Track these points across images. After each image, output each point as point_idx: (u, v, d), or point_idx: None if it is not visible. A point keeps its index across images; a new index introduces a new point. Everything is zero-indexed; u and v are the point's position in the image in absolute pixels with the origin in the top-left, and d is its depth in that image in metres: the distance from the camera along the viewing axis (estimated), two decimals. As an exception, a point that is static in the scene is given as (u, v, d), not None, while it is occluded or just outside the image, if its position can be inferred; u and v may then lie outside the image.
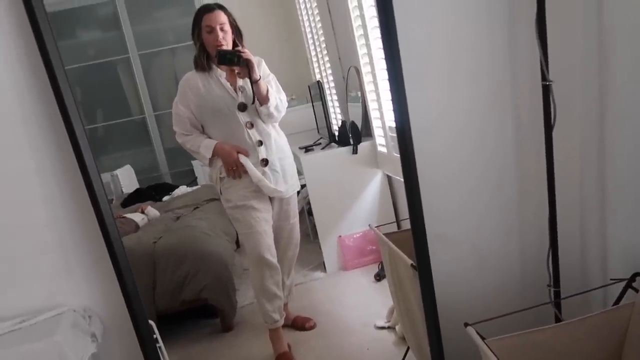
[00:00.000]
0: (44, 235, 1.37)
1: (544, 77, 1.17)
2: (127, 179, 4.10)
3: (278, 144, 2.25)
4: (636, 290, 1.20)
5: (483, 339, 1.13)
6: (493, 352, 1.08)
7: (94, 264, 1.36)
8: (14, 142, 1.33)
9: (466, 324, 1.15)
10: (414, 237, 1.28)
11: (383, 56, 2.45)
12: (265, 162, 2.18)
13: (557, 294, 1.35)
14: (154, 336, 1.31)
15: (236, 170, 2.15)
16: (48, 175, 1.35)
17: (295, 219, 2.44)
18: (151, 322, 1.31)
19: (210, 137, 2.20)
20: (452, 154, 1.38)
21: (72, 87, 1.29)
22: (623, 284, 1.23)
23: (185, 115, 2.17)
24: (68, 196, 1.35)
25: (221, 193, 2.26)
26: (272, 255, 2.25)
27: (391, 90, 1.17)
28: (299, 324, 2.53)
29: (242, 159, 2.15)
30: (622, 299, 1.24)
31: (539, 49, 1.15)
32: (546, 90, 1.18)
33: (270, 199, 2.27)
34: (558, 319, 1.38)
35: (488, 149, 1.38)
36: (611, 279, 1.26)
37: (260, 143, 2.17)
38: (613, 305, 1.25)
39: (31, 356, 1.16)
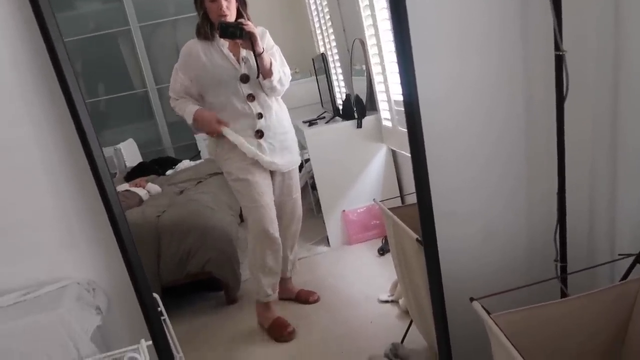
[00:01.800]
0: (48, 208, 1.36)
1: (557, 47, 1.13)
2: (130, 153, 4.08)
3: (279, 118, 2.22)
4: (644, 266, 1.19)
5: (489, 313, 1.12)
6: (499, 327, 1.08)
7: (97, 238, 1.36)
8: (14, 115, 1.30)
9: (472, 299, 1.14)
10: (420, 212, 1.26)
11: (389, 28, 2.43)
12: (260, 134, 2.15)
13: (564, 269, 1.34)
14: (159, 309, 1.31)
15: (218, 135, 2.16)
16: (50, 148, 1.33)
17: (297, 194, 2.43)
18: (155, 295, 1.31)
19: (209, 106, 2.17)
20: (460, 128, 1.35)
21: (72, 60, 1.26)
22: (631, 259, 1.21)
23: (180, 82, 2.16)
24: (71, 170, 1.33)
25: (221, 166, 2.26)
26: (274, 230, 2.25)
27: (398, 62, 1.14)
28: (302, 298, 2.55)
29: (229, 133, 2.14)
30: (630, 274, 1.22)
31: (553, 17, 1.11)
32: (559, 61, 1.14)
33: (271, 173, 2.26)
34: (564, 295, 1.37)
35: (498, 123, 1.35)
36: (619, 254, 1.24)
37: (261, 116, 2.15)
38: (620, 281, 1.24)
39: (36, 328, 1.16)
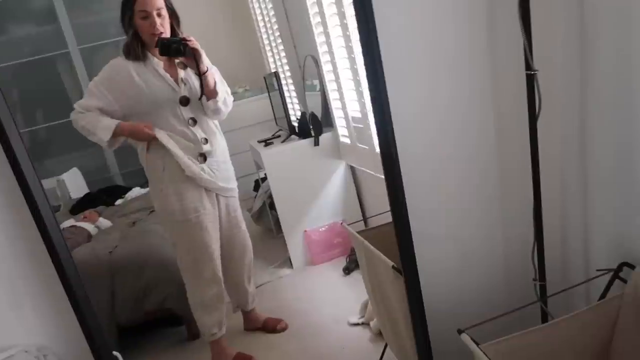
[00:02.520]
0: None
1: (529, 67, 1.12)
2: (74, 183, 3.85)
3: (221, 145, 2.10)
4: (624, 281, 1.18)
5: (477, 344, 1.08)
6: (489, 358, 1.03)
7: (45, 295, 1.21)
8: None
9: (460, 331, 1.09)
10: (400, 242, 1.21)
11: (343, 45, 2.40)
12: (203, 157, 2.01)
13: (543, 288, 1.32)
14: (120, 368, 1.19)
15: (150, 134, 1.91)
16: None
17: (244, 225, 2.30)
18: (116, 353, 1.18)
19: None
20: (433, 149, 1.32)
21: (7, 86, 1.12)
22: (610, 274, 1.20)
23: (99, 98, 1.88)
24: (10, 221, 1.18)
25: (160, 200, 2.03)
26: (218, 270, 2.14)
27: (370, 86, 1.08)
28: (269, 327, 2.44)
29: (163, 136, 1.91)
30: (610, 289, 1.21)
31: (523, 36, 1.09)
32: (530, 80, 1.13)
33: (218, 210, 2.12)
34: (544, 314, 1.35)
35: (470, 143, 1.33)
36: (598, 270, 1.23)
37: (206, 140, 2.01)
38: (600, 297, 1.23)
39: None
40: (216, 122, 2.12)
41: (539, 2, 1.17)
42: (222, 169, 2.10)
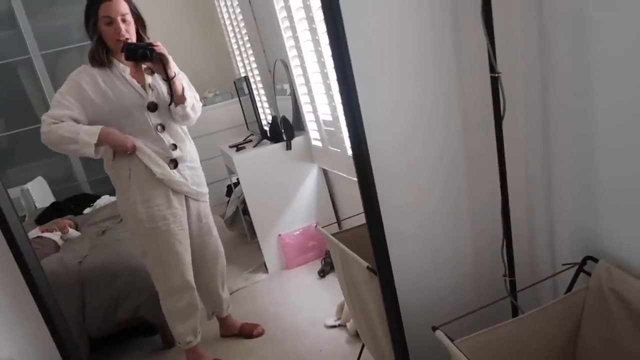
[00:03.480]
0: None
1: (492, 69, 1.15)
2: (40, 193, 3.74)
3: (190, 151, 2.08)
4: (588, 274, 1.22)
5: (451, 340, 1.11)
6: (464, 353, 1.06)
7: (13, 307, 1.18)
8: None
9: (434, 327, 1.12)
10: (373, 243, 1.23)
11: (312, 49, 2.42)
12: (174, 163, 1.99)
13: (513, 284, 1.36)
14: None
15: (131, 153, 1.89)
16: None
17: (216, 232, 2.28)
18: (89, 364, 1.16)
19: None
20: (402, 150, 1.34)
21: None
22: (574, 269, 1.25)
23: (67, 107, 1.81)
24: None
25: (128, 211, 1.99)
26: (190, 277, 2.12)
27: (341, 91, 1.10)
28: (246, 332, 2.43)
29: (141, 148, 1.89)
30: (575, 283, 1.26)
31: (487, 40, 1.13)
32: (495, 82, 1.16)
33: (188, 216, 2.10)
34: (515, 308, 1.40)
35: (438, 144, 1.36)
36: (563, 264, 1.28)
37: (175, 147, 1.99)
38: (567, 291, 1.27)
39: None
40: (184, 127, 2.09)
41: (501, 7, 1.21)
42: (193, 175, 2.08)
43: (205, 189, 2.17)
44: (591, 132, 1.15)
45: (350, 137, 1.13)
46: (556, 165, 1.29)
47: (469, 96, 1.31)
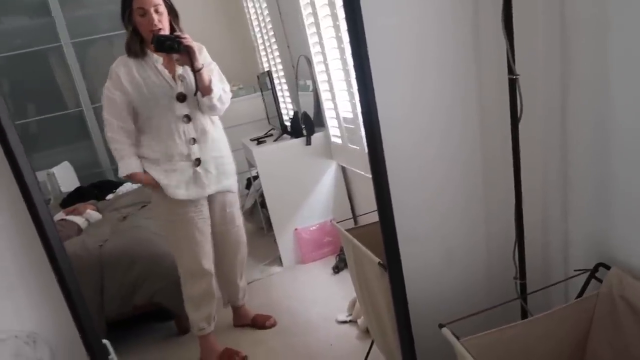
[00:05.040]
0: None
1: (511, 71, 1.16)
2: (65, 177, 3.83)
3: (215, 142, 2.10)
4: (600, 281, 1.22)
5: (457, 338, 1.12)
6: (469, 352, 1.07)
7: (36, 282, 1.23)
8: None
9: (441, 325, 1.13)
10: (384, 238, 1.24)
11: (335, 46, 2.43)
12: (197, 162, 2.04)
13: (524, 287, 1.36)
14: (109, 357, 1.21)
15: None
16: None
17: (240, 221, 2.32)
18: (105, 341, 1.21)
19: (142, 129, 2.01)
20: (417, 148, 1.35)
21: None
22: (587, 274, 1.25)
23: (120, 101, 1.94)
24: (3, 208, 1.20)
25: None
26: (209, 265, 2.16)
27: (359, 87, 1.12)
28: (258, 323, 2.47)
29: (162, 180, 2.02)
30: (587, 289, 1.25)
31: (506, 42, 1.13)
32: (512, 84, 1.17)
33: (209, 203, 2.15)
34: (524, 312, 1.39)
35: (454, 143, 1.37)
36: (575, 270, 1.27)
37: (194, 141, 2.03)
38: (577, 296, 1.27)
39: (-32, 393, 1.04)
40: (215, 117, 2.13)
41: (522, 9, 1.21)
42: (219, 164, 2.11)
43: (230, 180, 2.19)
44: (609, 137, 1.14)
45: (365, 132, 1.14)
46: (573, 169, 1.29)
47: (487, 97, 1.31)
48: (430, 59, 1.28)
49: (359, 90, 1.12)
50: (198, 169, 2.04)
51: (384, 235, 1.23)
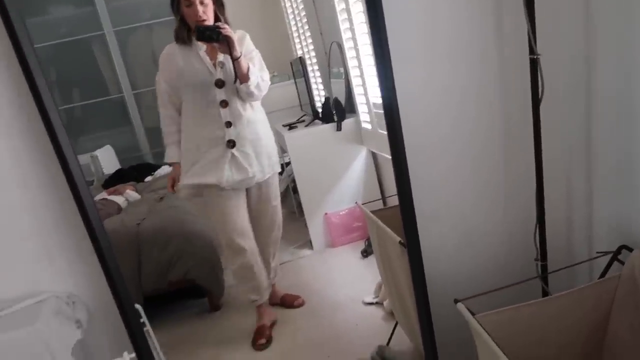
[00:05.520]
0: (23, 220, 1.33)
1: (532, 51, 1.15)
2: (107, 160, 4.00)
3: (251, 125, 2.17)
4: (622, 263, 1.21)
5: (473, 314, 1.14)
6: (483, 328, 1.09)
7: (76, 250, 1.32)
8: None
9: (456, 300, 1.15)
10: (403, 214, 1.27)
11: (366, 31, 2.44)
12: (231, 143, 2.12)
13: (544, 268, 1.36)
14: (141, 320, 1.29)
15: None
16: (23, 160, 1.29)
17: (277, 201, 2.42)
18: (138, 306, 1.29)
19: (184, 112, 2.14)
20: (437, 128, 1.37)
21: (46, 66, 1.23)
22: (609, 256, 1.24)
23: (164, 90, 2.13)
24: (46, 181, 1.30)
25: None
26: (244, 242, 2.25)
27: (377, 67, 1.14)
28: (287, 302, 2.54)
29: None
30: (608, 271, 1.25)
31: (527, 21, 1.13)
32: (534, 64, 1.16)
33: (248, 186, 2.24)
34: (545, 293, 1.40)
35: (475, 124, 1.37)
36: (597, 252, 1.27)
37: (230, 124, 2.11)
38: (599, 278, 1.26)
39: (13, 345, 1.13)
40: (255, 102, 2.21)
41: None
42: (254, 146, 2.18)
43: (269, 163, 2.28)
44: (635, 117, 1.13)
45: (385, 113, 1.17)
46: (597, 149, 1.28)
47: (508, 76, 1.31)
48: (450, 38, 1.29)
49: (378, 68, 1.14)
50: (234, 150, 2.12)
51: (403, 213, 1.26)
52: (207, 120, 2.10)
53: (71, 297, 1.30)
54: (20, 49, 1.15)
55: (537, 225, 1.33)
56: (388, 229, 1.55)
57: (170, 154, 2.19)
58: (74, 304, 1.29)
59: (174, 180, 2.25)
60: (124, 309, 1.24)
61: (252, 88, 2.07)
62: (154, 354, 1.34)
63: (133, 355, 1.18)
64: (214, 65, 2.07)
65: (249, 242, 2.27)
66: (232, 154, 2.13)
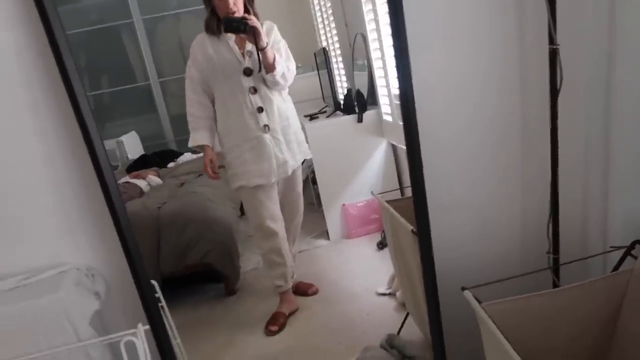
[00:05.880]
0: (49, 196, 1.38)
1: (552, 41, 1.15)
2: (132, 145, 4.09)
3: (281, 111, 2.24)
4: (635, 258, 1.20)
5: (479, 302, 1.14)
6: (489, 315, 1.09)
7: (97, 226, 1.38)
8: (15, 106, 1.32)
9: (463, 288, 1.16)
10: (415, 200, 1.28)
11: (389, 22, 2.44)
12: (266, 127, 2.18)
13: (556, 261, 1.35)
14: (156, 295, 1.33)
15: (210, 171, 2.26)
16: (51, 139, 1.35)
17: (300, 188, 2.48)
18: (153, 281, 1.33)
19: (216, 99, 2.20)
20: (455, 118, 1.37)
21: (76, 52, 1.27)
22: (622, 251, 1.23)
23: (196, 79, 2.18)
24: (71, 160, 1.36)
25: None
26: (275, 226, 2.30)
27: (395, 55, 1.15)
28: (301, 290, 2.57)
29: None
30: (621, 266, 1.24)
31: (548, 10, 1.12)
32: (553, 54, 1.15)
33: (277, 169, 2.27)
34: (556, 286, 1.39)
35: (493, 114, 1.37)
36: (611, 247, 1.25)
37: (261, 110, 2.17)
38: (612, 272, 1.25)
39: (35, 311, 1.18)
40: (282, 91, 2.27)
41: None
42: (285, 133, 2.25)
43: (300, 149, 2.36)
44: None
45: (400, 98, 1.18)
46: (615, 145, 1.26)
47: (527, 65, 1.30)
48: (470, 26, 1.29)
49: (396, 57, 1.15)
50: (267, 135, 2.17)
51: (415, 199, 1.27)
52: (239, 107, 2.16)
53: (91, 270, 1.35)
54: (53, 35, 1.20)
55: (551, 217, 1.33)
56: (401, 218, 1.56)
57: (198, 137, 2.21)
58: (93, 277, 1.34)
59: (212, 162, 2.26)
60: (140, 283, 1.28)
61: (278, 77, 2.13)
62: (168, 327, 1.38)
63: (147, 327, 1.22)
64: (242, 54, 2.14)
65: (279, 226, 2.33)
66: (264, 139, 2.18)
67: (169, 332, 1.38)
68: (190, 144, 2.24)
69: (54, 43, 1.21)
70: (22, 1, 1.24)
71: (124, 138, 4.07)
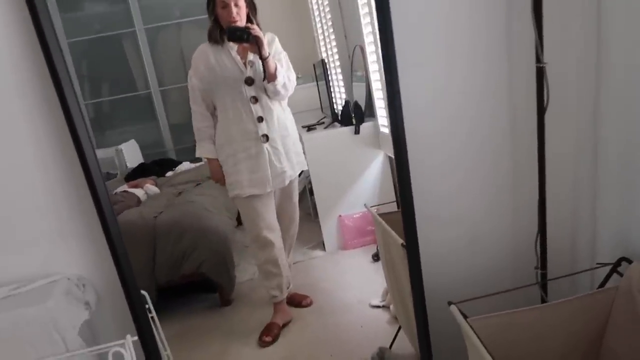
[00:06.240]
0: (40, 205, 1.39)
1: (538, 59, 1.16)
2: (131, 154, 4.13)
3: (281, 122, 2.26)
4: (621, 275, 1.20)
5: (465, 317, 1.15)
6: (473, 330, 1.10)
7: (88, 235, 1.39)
8: (9, 114, 1.33)
9: (450, 303, 1.16)
10: (403, 215, 1.29)
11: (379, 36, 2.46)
12: (265, 137, 2.19)
13: (544, 276, 1.36)
14: (147, 306, 1.34)
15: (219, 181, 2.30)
16: (43, 147, 1.36)
17: (296, 198, 2.49)
18: (143, 292, 1.34)
19: (217, 108, 2.23)
20: (446, 135, 1.38)
21: (77, 60, 1.29)
22: (609, 268, 1.23)
23: (197, 88, 2.21)
24: (63, 169, 1.37)
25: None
26: (273, 236, 2.31)
27: (385, 70, 1.17)
28: (296, 301, 2.57)
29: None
30: (607, 282, 1.24)
31: (534, 29, 1.14)
32: (540, 72, 1.17)
33: (273, 179, 2.28)
34: (544, 301, 1.39)
35: (482, 132, 1.38)
36: (597, 263, 1.26)
37: (261, 119, 2.19)
38: (598, 289, 1.25)
39: (24, 321, 1.19)
40: (282, 101, 2.30)
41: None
42: (284, 143, 2.26)
43: (297, 158, 2.36)
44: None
45: (389, 118, 1.19)
46: (603, 163, 1.27)
47: (517, 85, 1.32)
48: (460, 45, 1.30)
49: (385, 75, 1.17)
50: (266, 145, 2.19)
51: (403, 213, 1.28)
52: (239, 116, 2.18)
53: (81, 280, 1.36)
54: (46, 45, 1.22)
55: (539, 234, 1.33)
56: (392, 231, 1.57)
57: (203, 150, 2.27)
58: (84, 287, 1.35)
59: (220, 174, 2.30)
60: (130, 293, 1.29)
61: (279, 87, 2.15)
62: (158, 339, 1.38)
63: (135, 338, 1.22)
64: (245, 64, 2.16)
65: (276, 236, 2.34)
66: (263, 148, 2.19)
67: (159, 343, 1.38)
68: (197, 154, 2.29)
69: (47, 53, 1.22)
70: (16, 11, 1.26)
71: (123, 146, 4.10)
